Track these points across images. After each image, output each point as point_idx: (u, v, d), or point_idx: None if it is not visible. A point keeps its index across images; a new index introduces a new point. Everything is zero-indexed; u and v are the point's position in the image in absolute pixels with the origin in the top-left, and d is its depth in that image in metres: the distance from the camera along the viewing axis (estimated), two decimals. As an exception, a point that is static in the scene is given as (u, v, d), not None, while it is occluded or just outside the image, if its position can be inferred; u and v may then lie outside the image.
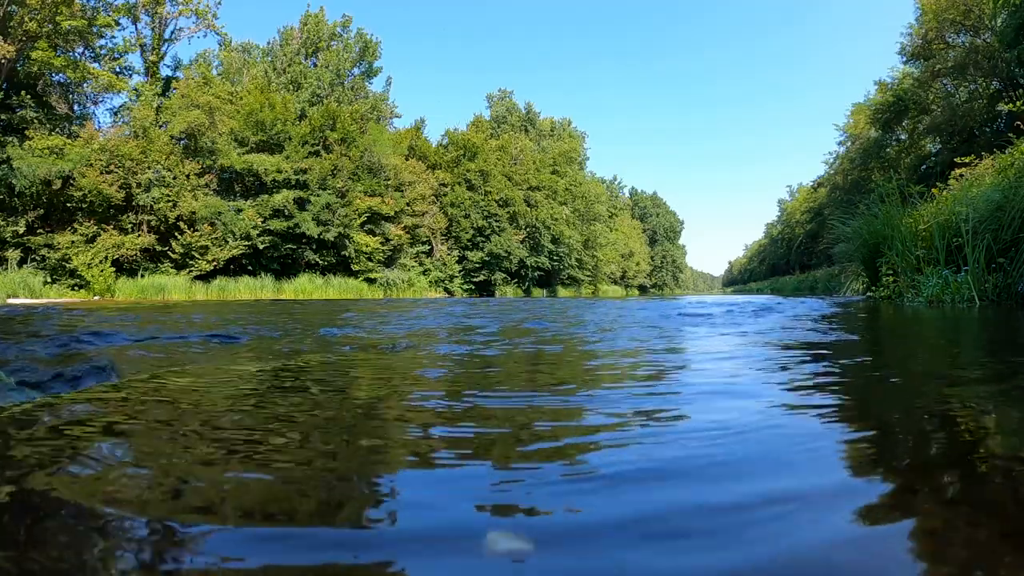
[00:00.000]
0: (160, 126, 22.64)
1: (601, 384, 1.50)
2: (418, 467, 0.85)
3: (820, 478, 0.76)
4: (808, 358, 2.08)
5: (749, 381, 1.43)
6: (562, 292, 43.40)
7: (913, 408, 1.20)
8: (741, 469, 0.79)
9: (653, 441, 0.92)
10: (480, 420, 1.09)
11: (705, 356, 1.99)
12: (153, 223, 21.45)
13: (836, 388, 1.38)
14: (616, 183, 78.89)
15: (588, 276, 50.61)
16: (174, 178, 21.60)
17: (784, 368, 1.70)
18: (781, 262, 64.35)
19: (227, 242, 22.47)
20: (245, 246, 23.01)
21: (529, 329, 3.81)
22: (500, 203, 37.84)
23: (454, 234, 35.45)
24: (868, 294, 8.83)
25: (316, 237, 25.40)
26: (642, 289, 73.39)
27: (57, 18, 19.52)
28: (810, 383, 1.41)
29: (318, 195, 25.78)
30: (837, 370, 1.72)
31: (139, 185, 20.68)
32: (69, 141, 20.19)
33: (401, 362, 2.26)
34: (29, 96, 20.25)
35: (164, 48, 25.62)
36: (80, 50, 22.50)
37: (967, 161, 10.81)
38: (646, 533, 0.61)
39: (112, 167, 20.21)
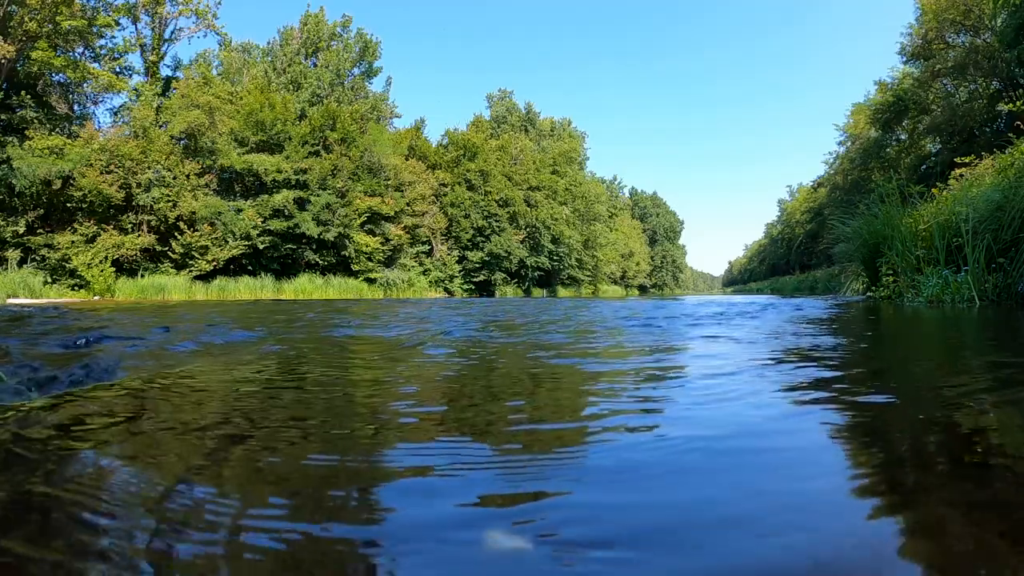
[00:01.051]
0: (160, 126, 22.64)
1: (597, 423, 1.11)
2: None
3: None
4: (822, 376, 2.06)
5: (771, 417, 1.18)
6: (562, 292, 43.39)
7: (953, 451, 1.16)
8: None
9: (687, 529, 0.64)
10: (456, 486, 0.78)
11: (712, 376, 1.84)
12: (153, 223, 21.45)
13: (874, 426, 1.21)
14: (616, 183, 78.88)
15: (588, 276, 50.60)
16: (174, 178, 21.60)
17: (806, 390, 1.60)
18: (781, 262, 64.35)
19: (227, 242, 22.47)
20: (245, 246, 23.01)
21: (522, 340, 3.80)
22: (500, 203, 37.83)
23: (454, 234, 35.44)
24: (868, 294, 8.82)
25: (316, 237, 25.39)
26: (642, 289, 73.37)
27: (57, 18, 19.51)
28: (845, 422, 1.14)
29: (318, 195, 25.78)
30: (862, 395, 1.68)
31: (139, 185, 20.68)
32: (69, 141, 20.18)
33: (395, 363, 2.26)
34: (29, 96, 20.24)
35: (164, 48, 25.63)
36: (80, 50, 22.48)
37: (967, 161, 10.80)
38: None
39: (112, 167, 20.21)
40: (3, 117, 19.93)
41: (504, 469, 0.86)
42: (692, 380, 1.64)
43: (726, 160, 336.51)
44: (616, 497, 0.73)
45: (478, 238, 36.57)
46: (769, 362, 2.01)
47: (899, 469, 0.86)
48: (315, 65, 33.29)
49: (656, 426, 1.09)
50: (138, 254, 20.75)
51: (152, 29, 25.23)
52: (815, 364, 1.96)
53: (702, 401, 1.31)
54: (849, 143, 41.80)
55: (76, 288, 19.01)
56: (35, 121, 20.46)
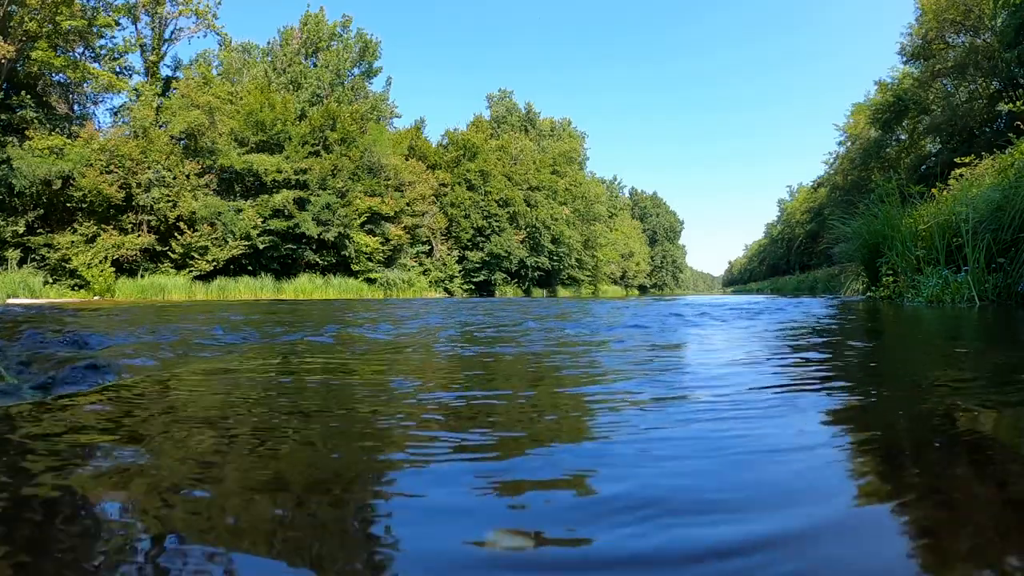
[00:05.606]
0: (160, 126, 22.65)
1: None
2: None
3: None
4: (821, 375, 2.06)
5: (764, 417, 1.16)
6: (562, 292, 43.40)
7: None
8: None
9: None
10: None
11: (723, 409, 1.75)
12: (153, 223, 21.46)
13: (874, 426, 1.22)
14: (616, 183, 78.94)
15: (588, 276, 50.62)
16: (174, 178, 21.61)
17: (802, 388, 1.67)
18: (781, 262, 64.33)
19: (227, 242, 22.48)
20: (245, 246, 23.02)
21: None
22: (500, 203, 37.84)
23: (454, 234, 35.45)
24: (868, 294, 8.83)
25: (316, 237, 25.40)
26: (642, 289, 73.38)
27: (57, 18, 19.52)
28: (842, 420, 1.23)
29: (318, 195, 25.79)
30: (861, 394, 1.69)
31: (139, 185, 20.68)
32: (69, 141, 20.19)
33: (397, 360, 2.26)
34: (29, 96, 20.25)
35: (164, 48, 25.63)
36: (80, 50, 22.50)
37: (967, 161, 10.79)
38: None
39: (112, 167, 20.22)
40: (3, 117, 19.93)
41: (502, 470, 0.86)
42: (701, 373, 1.64)
43: (726, 160, 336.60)
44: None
45: (478, 238, 36.58)
46: (761, 359, 2.01)
47: (898, 469, 0.86)
48: (315, 65, 33.30)
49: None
50: (138, 254, 20.75)
51: (152, 29, 25.24)
52: (816, 363, 1.96)
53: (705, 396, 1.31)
54: (849, 143, 41.79)
55: (76, 288, 19.01)
56: (35, 121, 20.46)
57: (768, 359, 2.12)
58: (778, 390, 1.42)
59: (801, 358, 2.14)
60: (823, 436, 1.02)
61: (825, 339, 2.91)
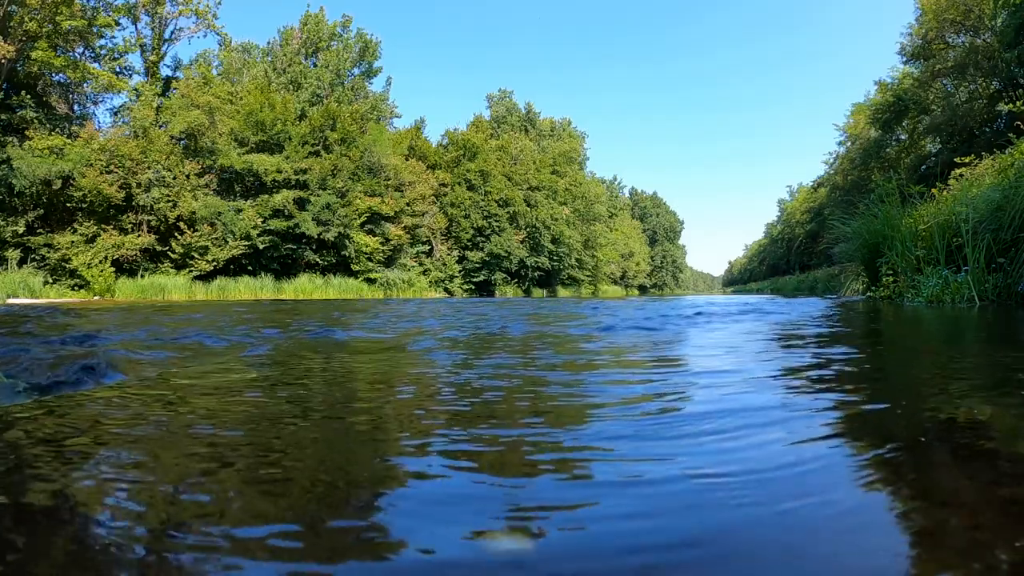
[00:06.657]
0: (160, 126, 22.64)
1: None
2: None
3: None
4: (820, 373, 2.06)
5: (765, 406, 1.30)
6: (562, 292, 43.40)
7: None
8: None
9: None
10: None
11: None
12: (153, 223, 21.45)
13: (875, 427, 1.21)
14: (616, 183, 78.93)
15: (588, 276, 50.61)
16: (174, 178, 21.60)
17: (804, 387, 1.67)
18: (781, 262, 64.31)
19: (227, 242, 22.47)
20: (245, 246, 23.01)
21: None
22: (500, 203, 37.83)
23: (454, 234, 35.45)
24: (868, 294, 8.83)
25: (316, 237, 25.40)
26: (642, 289, 73.37)
27: (57, 18, 19.52)
28: (845, 423, 1.28)
29: (318, 195, 25.78)
30: (861, 395, 1.69)
31: (139, 185, 20.68)
32: (69, 141, 20.19)
33: (395, 361, 2.26)
34: (29, 96, 20.25)
35: (164, 48, 25.63)
36: (80, 50, 22.50)
37: (967, 161, 10.78)
38: None
39: (112, 167, 20.21)
40: (3, 117, 19.93)
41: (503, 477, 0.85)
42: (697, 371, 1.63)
43: (726, 160, 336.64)
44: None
45: (478, 238, 36.57)
46: (763, 371, 2.00)
47: (899, 470, 0.86)
48: (315, 65, 33.29)
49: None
50: (138, 254, 20.75)
51: (152, 29, 25.24)
52: (821, 379, 1.95)
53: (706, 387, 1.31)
54: (849, 143, 41.76)
55: (76, 288, 19.01)
56: (35, 121, 20.46)
57: (771, 374, 2.11)
58: (785, 419, 1.27)
59: (807, 376, 2.12)
60: (859, 493, 0.89)
61: (827, 344, 2.90)
